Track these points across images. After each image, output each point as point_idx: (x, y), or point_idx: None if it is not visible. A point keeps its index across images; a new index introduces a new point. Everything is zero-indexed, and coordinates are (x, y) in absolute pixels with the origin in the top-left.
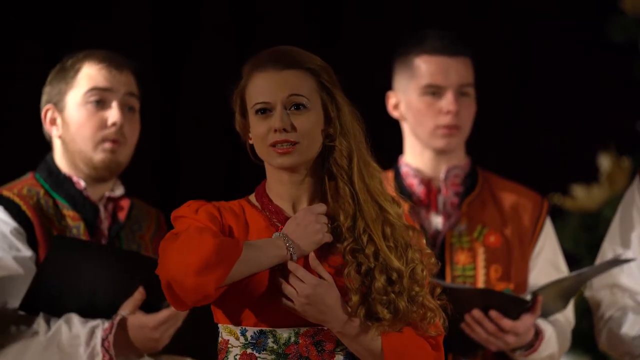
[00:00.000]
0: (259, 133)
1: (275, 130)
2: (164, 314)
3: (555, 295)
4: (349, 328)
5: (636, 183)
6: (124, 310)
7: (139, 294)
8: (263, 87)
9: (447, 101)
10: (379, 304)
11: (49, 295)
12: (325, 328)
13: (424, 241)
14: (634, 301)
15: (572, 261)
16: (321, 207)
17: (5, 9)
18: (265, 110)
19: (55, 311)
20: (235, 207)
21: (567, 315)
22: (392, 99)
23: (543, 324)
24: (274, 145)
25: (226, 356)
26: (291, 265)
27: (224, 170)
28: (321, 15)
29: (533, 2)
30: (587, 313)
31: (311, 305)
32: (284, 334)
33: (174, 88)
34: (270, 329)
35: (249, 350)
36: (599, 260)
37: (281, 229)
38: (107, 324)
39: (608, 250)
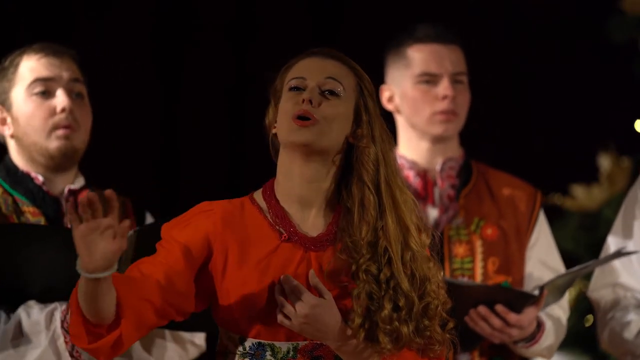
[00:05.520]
0: (287, 107)
1: (303, 101)
2: None
3: (556, 288)
4: (348, 346)
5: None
6: None
7: None
8: (304, 66)
9: (443, 87)
10: (382, 333)
11: (4, 287)
12: (324, 344)
13: (442, 274)
14: (636, 300)
15: (572, 261)
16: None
17: (5, 9)
18: (299, 88)
19: (15, 302)
20: (236, 213)
21: (562, 305)
22: (386, 92)
23: (542, 315)
24: (296, 117)
25: None
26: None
27: (225, 170)
28: (320, 16)
29: (534, 1)
30: (586, 313)
31: (309, 325)
32: (283, 347)
33: (174, 88)
34: (269, 342)
35: None
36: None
37: (285, 237)
38: (64, 305)
39: (612, 247)
